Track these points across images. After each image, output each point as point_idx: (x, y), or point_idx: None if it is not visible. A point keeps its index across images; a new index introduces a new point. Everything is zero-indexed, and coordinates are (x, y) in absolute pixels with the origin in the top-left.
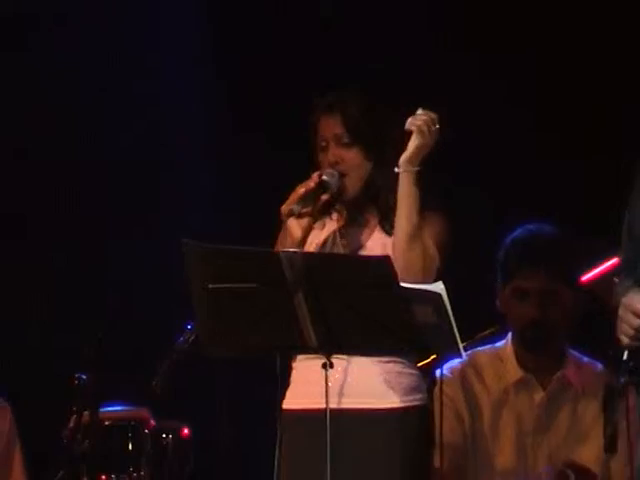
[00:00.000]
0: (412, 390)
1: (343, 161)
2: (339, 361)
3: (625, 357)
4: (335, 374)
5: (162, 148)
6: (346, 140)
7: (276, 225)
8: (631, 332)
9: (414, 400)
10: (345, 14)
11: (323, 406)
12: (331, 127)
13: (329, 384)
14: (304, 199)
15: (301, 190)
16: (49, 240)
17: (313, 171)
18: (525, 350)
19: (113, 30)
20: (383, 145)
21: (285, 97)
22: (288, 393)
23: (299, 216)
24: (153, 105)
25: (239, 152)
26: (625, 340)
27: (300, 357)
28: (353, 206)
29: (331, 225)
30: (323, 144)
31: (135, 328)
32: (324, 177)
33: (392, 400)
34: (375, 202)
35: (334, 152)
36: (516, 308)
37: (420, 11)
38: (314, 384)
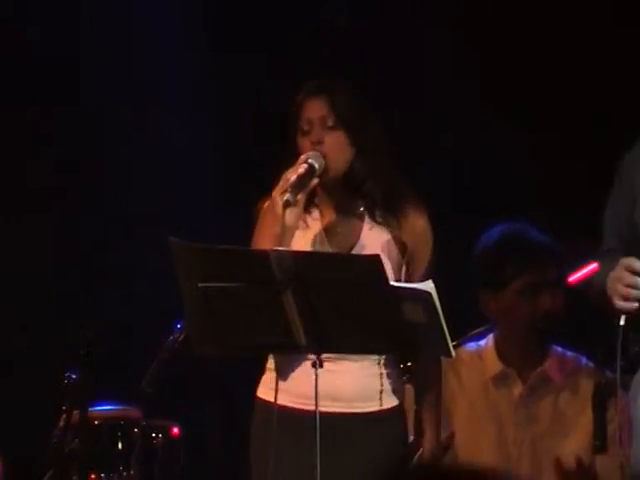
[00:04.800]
0: (394, 391)
1: (326, 142)
2: (326, 364)
3: (622, 322)
4: (323, 377)
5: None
6: (331, 123)
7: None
8: (626, 291)
9: (396, 400)
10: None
11: (311, 408)
12: (317, 109)
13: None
14: (296, 186)
15: (293, 177)
16: (44, 239)
17: (291, 156)
18: (534, 343)
19: None
20: (366, 133)
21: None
22: (269, 383)
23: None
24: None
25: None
26: (620, 303)
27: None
28: (337, 199)
29: (315, 225)
30: (306, 127)
31: (125, 327)
32: (310, 160)
33: (376, 403)
34: (359, 193)
35: (318, 133)
36: (526, 303)
37: (415, 10)
38: (302, 383)
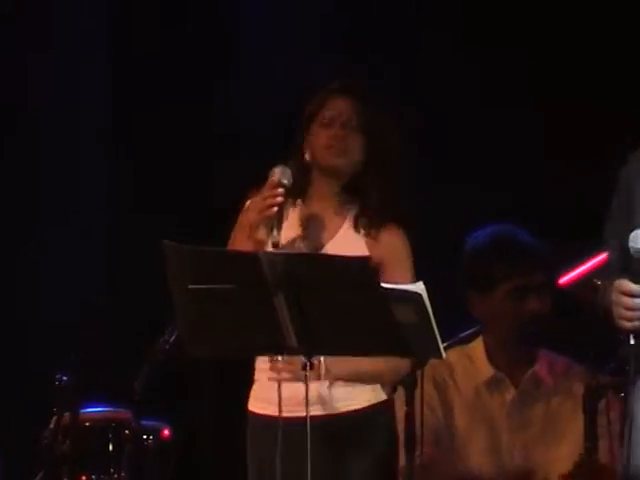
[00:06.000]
0: (374, 388)
1: (348, 141)
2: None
3: (632, 342)
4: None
5: None
6: (353, 126)
7: None
8: (629, 314)
9: (378, 397)
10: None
11: (296, 414)
12: (342, 108)
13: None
14: (279, 218)
15: (274, 209)
16: (39, 239)
17: (298, 146)
18: (522, 346)
19: None
20: (381, 144)
21: None
22: (258, 395)
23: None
24: None
25: None
26: (625, 324)
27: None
28: (330, 195)
29: (293, 216)
30: (326, 121)
31: (115, 329)
32: (284, 181)
33: (355, 402)
34: (355, 197)
35: (340, 131)
36: (513, 306)
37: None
38: (283, 391)
